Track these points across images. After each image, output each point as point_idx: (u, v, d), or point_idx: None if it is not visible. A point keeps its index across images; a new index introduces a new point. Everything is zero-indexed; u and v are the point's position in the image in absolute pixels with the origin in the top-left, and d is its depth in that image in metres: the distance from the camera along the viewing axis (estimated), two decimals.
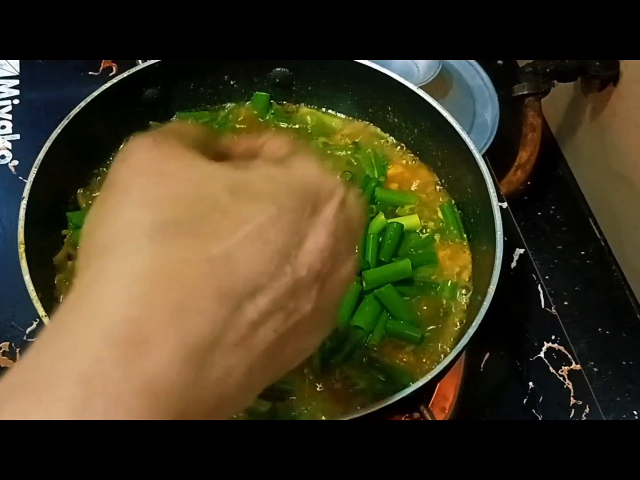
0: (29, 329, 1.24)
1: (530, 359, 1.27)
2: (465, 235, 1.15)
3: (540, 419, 1.20)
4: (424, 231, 1.15)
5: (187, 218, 0.49)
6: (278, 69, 1.26)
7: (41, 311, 0.92)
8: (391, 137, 1.27)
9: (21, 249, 0.97)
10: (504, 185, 1.55)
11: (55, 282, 1.06)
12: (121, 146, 1.22)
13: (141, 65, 1.18)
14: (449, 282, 1.09)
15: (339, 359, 0.99)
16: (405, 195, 1.19)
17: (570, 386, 1.23)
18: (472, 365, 1.23)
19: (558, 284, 1.60)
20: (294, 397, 0.96)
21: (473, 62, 1.70)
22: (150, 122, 1.24)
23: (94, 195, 1.16)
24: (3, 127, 1.52)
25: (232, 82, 1.28)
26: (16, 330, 1.24)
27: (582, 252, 1.65)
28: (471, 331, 0.94)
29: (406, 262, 1.07)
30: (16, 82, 1.60)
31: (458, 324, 1.06)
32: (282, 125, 1.27)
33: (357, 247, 0.60)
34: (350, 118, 1.30)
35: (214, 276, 0.47)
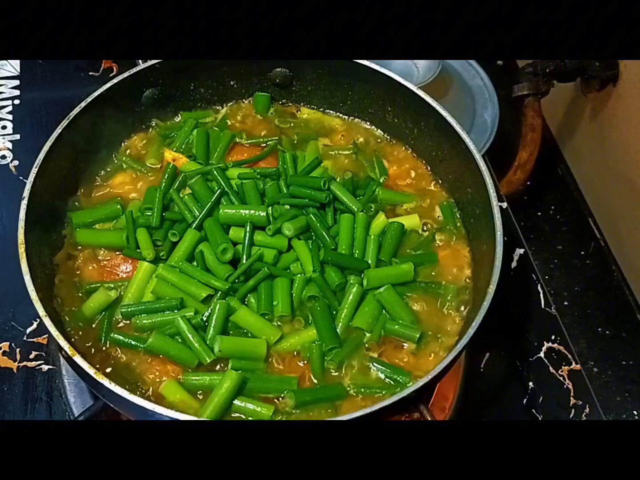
0: (29, 329, 1.24)
1: (530, 359, 1.27)
2: (465, 235, 1.15)
3: (540, 419, 1.21)
4: (424, 228, 1.15)
5: None
6: (278, 69, 1.26)
7: (41, 311, 0.92)
8: (391, 137, 1.27)
9: (21, 249, 0.97)
10: (504, 185, 1.55)
11: (55, 282, 1.06)
12: (121, 146, 1.22)
13: (141, 65, 1.18)
14: (449, 282, 1.09)
15: (338, 359, 0.99)
16: (405, 195, 1.19)
17: (570, 386, 1.23)
18: (472, 365, 1.23)
19: (558, 284, 1.60)
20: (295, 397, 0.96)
21: (473, 62, 1.70)
22: (153, 120, 1.24)
23: (94, 195, 1.16)
24: (3, 127, 1.52)
25: (232, 82, 1.28)
26: (16, 330, 1.24)
27: (582, 252, 1.66)
28: (471, 331, 0.94)
29: (409, 265, 1.07)
30: (16, 82, 1.60)
31: (458, 323, 1.06)
32: (282, 126, 1.27)
33: None
34: (350, 118, 1.30)
35: None
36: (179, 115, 1.27)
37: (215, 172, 1.12)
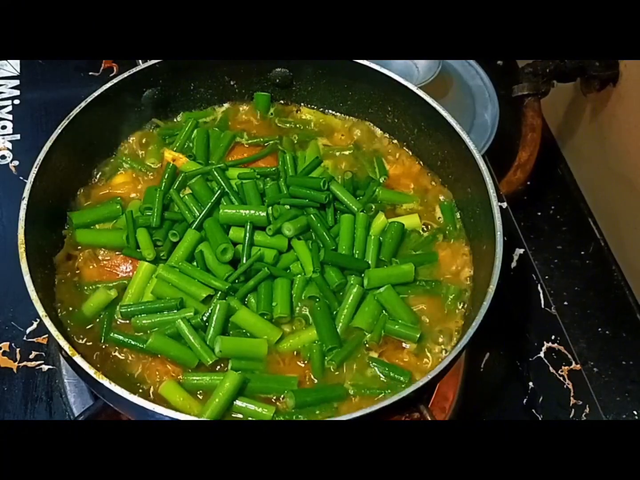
0: (29, 329, 1.24)
1: (530, 359, 1.27)
2: (465, 235, 1.15)
3: (540, 419, 1.20)
4: (424, 228, 1.16)
5: None
6: (278, 69, 1.26)
7: (41, 311, 0.92)
8: (391, 137, 1.27)
9: (21, 249, 0.97)
10: (504, 185, 1.55)
11: (55, 282, 1.06)
12: (121, 146, 1.22)
13: (141, 65, 1.18)
14: (449, 282, 1.09)
15: (339, 359, 0.99)
16: (405, 195, 1.19)
17: (570, 386, 1.23)
18: (472, 365, 1.23)
19: (558, 284, 1.60)
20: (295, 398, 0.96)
21: (473, 62, 1.70)
22: (152, 120, 1.24)
23: (94, 195, 1.16)
24: (3, 127, 1.52)
25: (232, 82, 1.28)
26: (16, 330, 1.24)
27: (582, 252, 1.66)
28: (471, 331, 0.94)
29: (409, 266, 1.07)
30: (16, 82, 1.60)
31: (458, 323, 1.06)
32: (282, 126, 1.27)
33: None
34: (350, 118, 1.30)
35: None
36: (179, 115, 1.27)
37: (215, 172, 1.12)
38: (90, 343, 1.01)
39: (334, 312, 1.03)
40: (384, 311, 1.05)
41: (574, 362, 1.26)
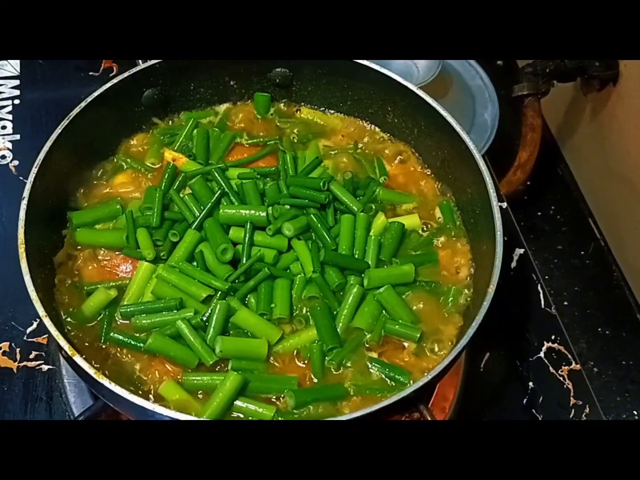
0: (29, 329, 1.24)
1: (530, 359, 1.27)
2: (465, 235, 1.15)
3: (540, 419, 1.21)
4: (424, 228, 1.15)
5: None
6: (278, 69, 1.26)
7: (41, 311, 0.92)
8: (391, 137, 1.27)
9: (21, 249, 0.97)
10: (504, 185, 1.55)
11: (55, 282, 1.06)
12: (121, 146, 1.22)
13: (141, 65, 1.18)
14: (449, 282, 1.09)
15: (339, 359, 0.99)
16: (405, 195, 1.19)
17: (570, 386, 1.23)
18: (472, 365, 1.23)
19: (558, 284, 1.60)
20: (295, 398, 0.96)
21: (473, 62, 1.70)
22: (153, 120, 1.24)
23: (94, 195, 1.16)
24: (3, 127, 1.52)
25: (232, 82, 1.28)
26: (16, 330, 1.24)
27: (582, 252, 1.66)
28: (471, 331, 0.94)
29: (409, 266, 1.07)
30: (16, 82, 1.60)
31: (458, 323, 1.06)
32: (282, 126, 1.27)
33: None
34: (351, 118, 1.30)
35: None
36: (179, 115, 1.27)
37: (215, 172, 1.12)
38: (90, 343, 1.01)
39: (334, 312, 1.03)
40: (384, 311, 1.05)
41: (574, 362, 1.26)
